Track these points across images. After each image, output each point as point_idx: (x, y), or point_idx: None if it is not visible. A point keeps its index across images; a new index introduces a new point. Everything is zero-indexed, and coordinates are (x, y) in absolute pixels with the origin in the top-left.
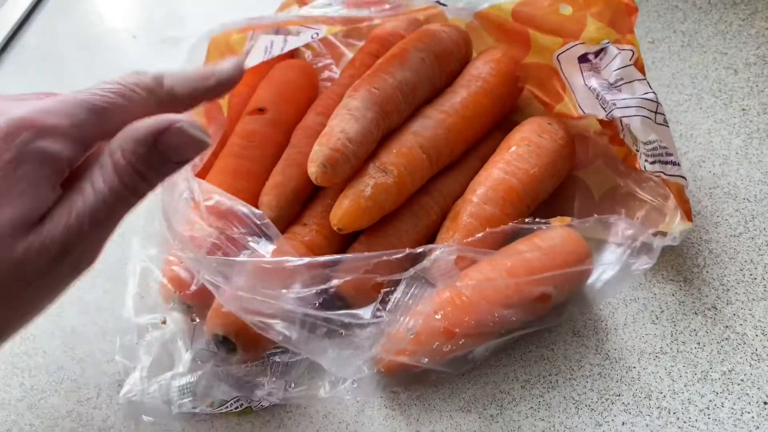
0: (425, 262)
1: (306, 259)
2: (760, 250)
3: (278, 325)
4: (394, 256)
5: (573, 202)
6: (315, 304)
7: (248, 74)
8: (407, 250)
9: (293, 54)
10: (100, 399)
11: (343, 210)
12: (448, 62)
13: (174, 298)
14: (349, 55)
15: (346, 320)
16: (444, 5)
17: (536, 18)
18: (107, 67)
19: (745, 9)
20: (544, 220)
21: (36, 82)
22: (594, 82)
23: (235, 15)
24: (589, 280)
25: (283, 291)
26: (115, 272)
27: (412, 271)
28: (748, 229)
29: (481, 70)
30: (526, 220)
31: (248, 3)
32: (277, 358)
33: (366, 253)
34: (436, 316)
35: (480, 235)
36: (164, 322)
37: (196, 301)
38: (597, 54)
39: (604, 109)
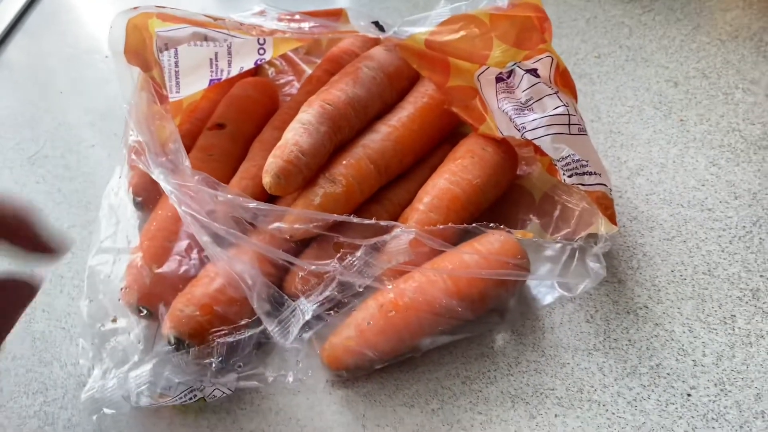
0: (385, 236)
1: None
2: (690, 252)
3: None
4: (365, 221)
5: (516, 207)
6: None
7: (209, 91)
8: (374, 220)
9: (257, 71)
10: (66, 399)
11: (292, 219)
12: (399, 80)
13: (130, 299)
14: (310, 71)
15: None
16: (382, 30)
17: (448, 46)
18: (85, 84)
19: (687, 24)
20: (496, 225)
21: (20, 96)
22: (506, 105)
23: None
24: (530, 287)
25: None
26: (80, 279)
27: (372, 240)
28: (681, 233)
29: (428, 87)
30: (485, 224)
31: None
32: (221, 339)
33: (344, 216)
34: (383, 313)
35: (441, 227)
36: (114, 321)
37: (148, 303)
38: (509, 75)
39: (518, 130)
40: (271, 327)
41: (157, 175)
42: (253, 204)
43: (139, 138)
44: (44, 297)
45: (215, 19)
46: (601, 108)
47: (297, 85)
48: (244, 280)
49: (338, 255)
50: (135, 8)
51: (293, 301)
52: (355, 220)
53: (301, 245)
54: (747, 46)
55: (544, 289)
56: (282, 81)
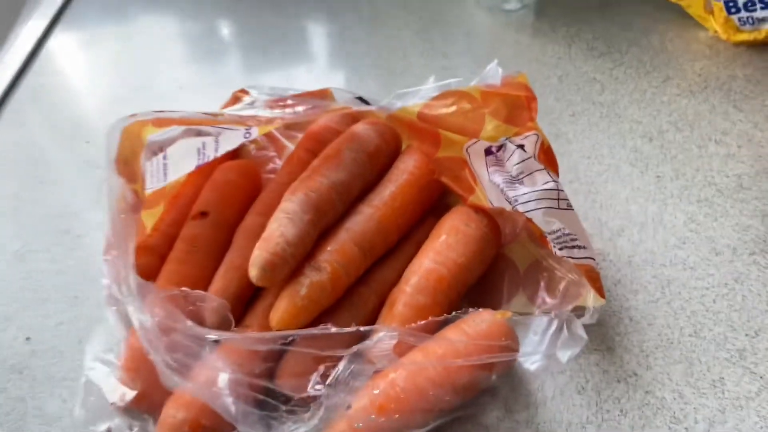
0: (368, 342)
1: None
2: (675, 314)
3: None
4: (345, 330)
5: (502, 279)
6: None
7: (193, 175)
8: (355, 327)
9: (238, 151)
10: None
11: (280, 311)
12: (378, 158)
13: (122, 408)
14: (291, 147)
15: (287, 391)
16: (367, 104)
17: (440, 119)
18: (68, 171)
19: (657, 77)
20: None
21: (7, 175)
22: (497, 178)
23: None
24: (521, 362)
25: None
26: (71, 380)
27: (354, 348)
28: (665, 294)
29: (407, 163)
30: (470, 310)
31: (206, 92)
32: None
33: (319, 327)
34: (375, 412)
35: (422, 322)
36: (109, 431)
37: (141, 412)
38: (498, 149)
39: (509, 203)
40: None
41: (128, 305)
42: (212, 336)
43: (115, 256)
44: (35, 401)
45: (214, 115)
46: (579, 167)
47: (279, 162)
48: (227, 411)
49: (320, 372)
50: (132, 116)
51: (282, 422)
52: (333, 330)
53: (279, 356)
54: (717, 96)
55: (535, 364)
56: (263, 157)
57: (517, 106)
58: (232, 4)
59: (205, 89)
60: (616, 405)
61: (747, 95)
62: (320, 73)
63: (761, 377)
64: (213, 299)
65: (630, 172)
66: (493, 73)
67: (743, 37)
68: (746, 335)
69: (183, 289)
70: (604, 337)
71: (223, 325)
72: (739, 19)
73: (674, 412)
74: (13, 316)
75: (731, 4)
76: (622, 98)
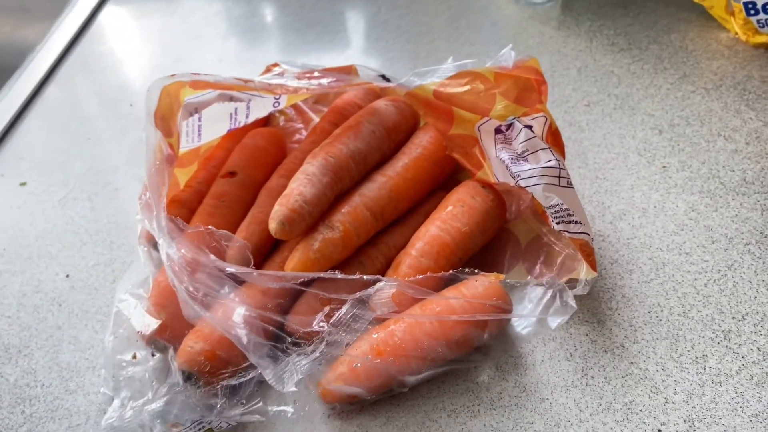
0: (369, 290)
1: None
2: (667, 294)
3: (240, 329)
4: (350, 277)
5: (504, 251)
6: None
7: (224, 140)
8: (357, 275)
9: (267, 120)
10: (88, 425)
11: (294, 261)
12: (396, 133)
13: (147, 338)
14: (317, 120)
15: (295, 325)
16: (388, 81)
17: (454, 97)
18: (111, 132)
19: (674, 74)
20: (476, 271)
21: (52, 141)
22: (504, 154)
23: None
24: (514, 326)
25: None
26: (104, 314)
27: (357, 294)
28: (659, 276)
29: (422, 139)
30: (466, 270)
31: (243, 67)
32: (225, 382)
33: (327, 272)
34: (372, 354)
35: (421, 276)
36: (135, 357)
37: (163, 341)
38: (508, 128)
39: (513, 178)
40: (268, 378)
41: (158, 238)
42: (231, 269)
43: (150, 197)
44: (71, 330)
45: (245, 81)
46: (589, 155)
47: (305, 133)
48: (239, 341)
49: (325, 311)
50: (172, 76)
51: (288, 355)
52: (339, 276)
53: (291, 298)
54: (731, 95)
55: (526, 329)
56: (291, 129)
57: (527, 88)
58: None
59: (242, 65)
60: (601, 372)
61: (760, 95)
62: (351, 54)
63: (743, 357)
64: (236, 239)
65: (637, 162)
66: (507, 57)
67: (762, 38)
68: (733, 318)
69: (209, 227)
70: (596, 311)
71: (242, 263)
72: (758, 21)
73: (656, 383)
74: (56, 255)
75: (750, 6)
76: (637, 92)
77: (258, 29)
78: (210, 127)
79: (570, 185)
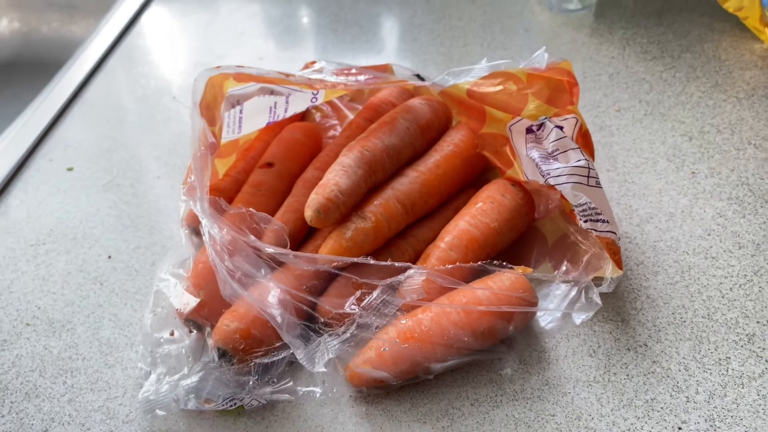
0: (400, 276)
1: (308, 255)
2: (692, 296)
3: (275, 309)
4: (382, 263)
5: (531, 249)
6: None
7: (263, 133)
8: (390, 262)
9: (304, 115)
10: (125, 397)
11: (327, 249)
12: (429, 131)
13: (184, 316)
14: (352, 117)
15: (328, 307)
16: (423, 80)
17: (487, 96)
18: (154, 121)
19: (706, 82)
20: (504, 263)
21: (98, 130)
22: (534, 153)
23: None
24: (538, 321)
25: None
26: (143, 294)
27: (388, 280)
28: (684, 278)
29: (454, 137)
30: (494, 262)
31: (282, 64)
32: (258, 360)
33: (360, 258)
34: (399, 341)
35: (450, 266)
36: (172, 334)
37: (200, 319)
38: (539, 127)
39: (542, 176)
40: (299, 357)
41: (201, 218)
42: (269, 249)
43: (194, 180)
44: (111, 308)
45: (287, 75)
46: (618, 159)
47: (340, 129)
48: (273, 319)
49: (357, 295)
50: (217, 67)
51: (319, 335)
52: (371, 262)
53: (325, 282)
54: (763, 104)
55: (550, 324)
56: (326, 125)
57: (559, 89)
58: None
59: (282, 62)
60: (624, 370)
61: None
62: (386, 54)
63: (767, 361)
64: (274, 221)
65: (666, 167)
66: (540, 59)
67: None
68: (758, 323)
69: (249, 209)
70: (620, 310)
71: (279, 245)
72: None
73: (678, 382)
74: (99, 237)
75: None
76: (668, 99)
77: (296, 29)
78: (250, 120)
79: (598, 185)
